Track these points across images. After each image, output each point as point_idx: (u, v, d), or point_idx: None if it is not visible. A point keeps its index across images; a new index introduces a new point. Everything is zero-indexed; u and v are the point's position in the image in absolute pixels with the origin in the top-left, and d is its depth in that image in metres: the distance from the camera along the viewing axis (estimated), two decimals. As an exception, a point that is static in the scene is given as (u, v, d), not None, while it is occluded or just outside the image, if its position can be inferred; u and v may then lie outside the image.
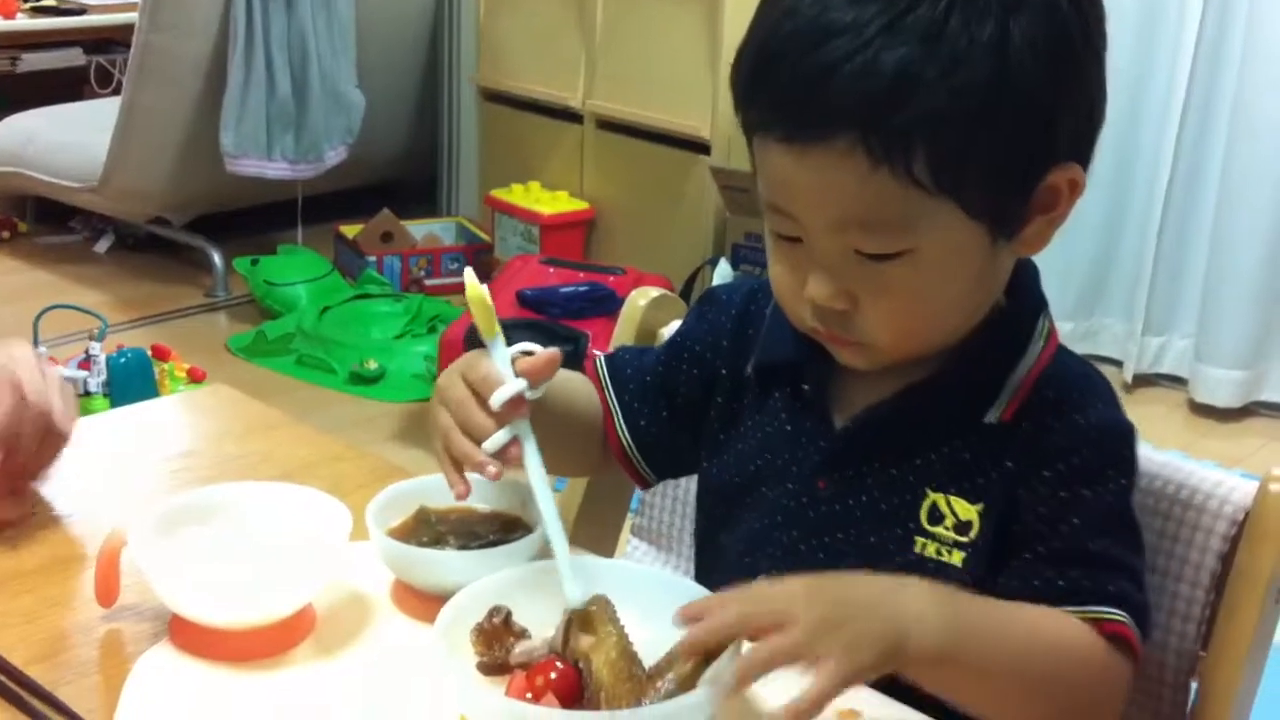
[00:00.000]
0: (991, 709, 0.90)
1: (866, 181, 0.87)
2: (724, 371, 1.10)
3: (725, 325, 1.10)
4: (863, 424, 1.00)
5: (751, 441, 1.06)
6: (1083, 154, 0.95)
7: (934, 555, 0.96)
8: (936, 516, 0.97)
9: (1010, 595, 0.92)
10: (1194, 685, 1.03)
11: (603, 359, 1.15)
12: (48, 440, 1.09)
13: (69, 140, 3.94)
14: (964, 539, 0.96)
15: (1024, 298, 1.01)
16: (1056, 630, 0.91)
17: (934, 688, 0.88)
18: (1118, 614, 0.92)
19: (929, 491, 0.97)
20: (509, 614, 0.88)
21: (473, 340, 0.96)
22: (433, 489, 1.02)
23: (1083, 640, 0.91)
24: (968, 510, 0.96)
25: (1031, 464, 0.95)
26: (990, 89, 0.87)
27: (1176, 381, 3.42)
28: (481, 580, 0.91)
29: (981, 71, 0.86)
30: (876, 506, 0.99)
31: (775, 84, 0.90)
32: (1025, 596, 0.92)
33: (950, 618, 0.85)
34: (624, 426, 1.12)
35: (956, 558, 0.96)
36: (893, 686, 0.91)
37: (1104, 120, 0.97)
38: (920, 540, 0.97)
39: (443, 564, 0.98)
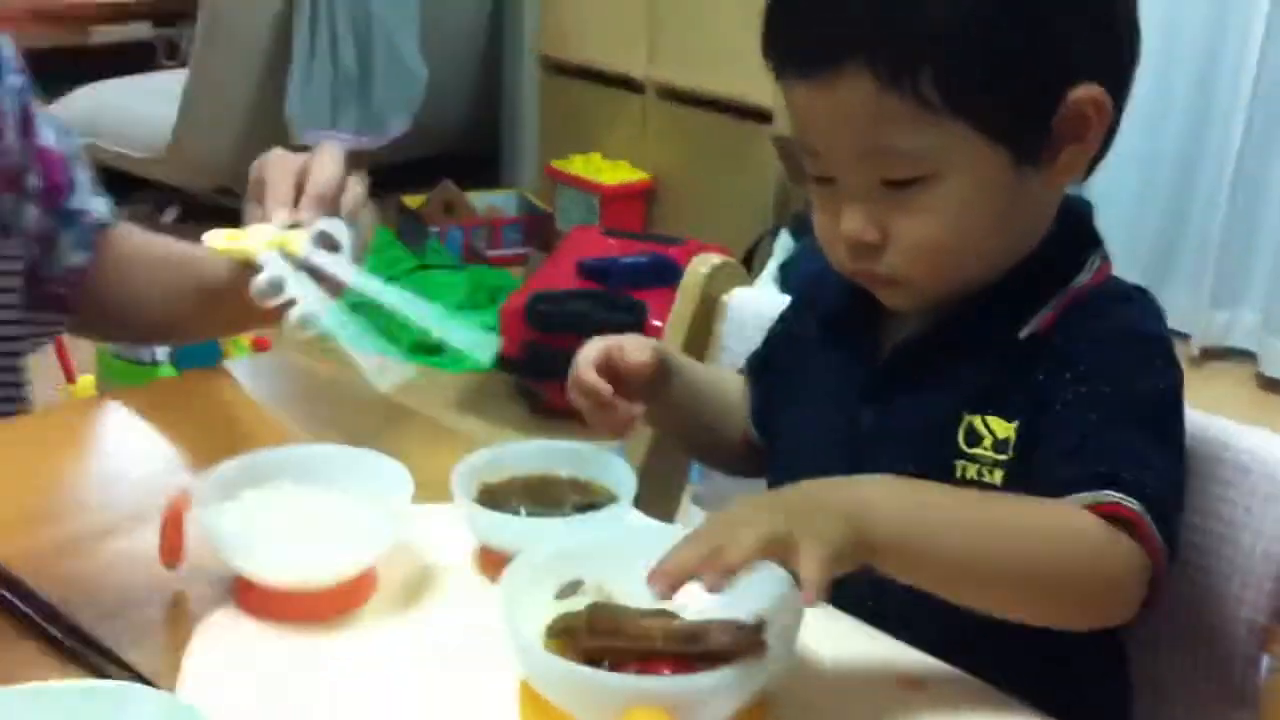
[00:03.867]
0: (979, 601, 0.87)
1: (879, 105, 0.90)
2: (794, 331, 1.13)
3: (798, 288, 1.14)
4: (899, 352, 1.01)
5: (814, 394, 1.07)
6: (1109, 77, 0.94)
7: (975, 477, 0.95)
8: (974, 438, 0.96)
9: (1031, 494, 0.90)
10: (1265, 659, 1.02)
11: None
12: None
13: (137, 111, 3.98)
14: (1003, 457, 0.95)
15: (1072, 234, 1.00)
16: (1040, 516, 0.87)
17: (907, 578, 0.85)
18: (1116, 495, 0.87)
19: (965, 414, 0.97)
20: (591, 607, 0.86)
21: (535, 310, 0.97)
22: (516, 455, 1.05)
23: (1072, 524, 0.86)
24: (1005, 428, 0.95)
25: (1057, 368, 0.94)
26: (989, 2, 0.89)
27: (1245, 355, 3.37)
28: (548, 544, 0.90)
29: None
30: (915, 435, 0.98)
31: (790, 22, 0.94)
32: (1043, 494, 0.89)
33: (907, 506, 0.84)
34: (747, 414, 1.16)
35: (997, 477, 0.95)
36: (956, 655, 0.90)
37: (1135, 45, 0.96)
38: (960, 464, 0.96)
39: (529, 530, 0.97)
